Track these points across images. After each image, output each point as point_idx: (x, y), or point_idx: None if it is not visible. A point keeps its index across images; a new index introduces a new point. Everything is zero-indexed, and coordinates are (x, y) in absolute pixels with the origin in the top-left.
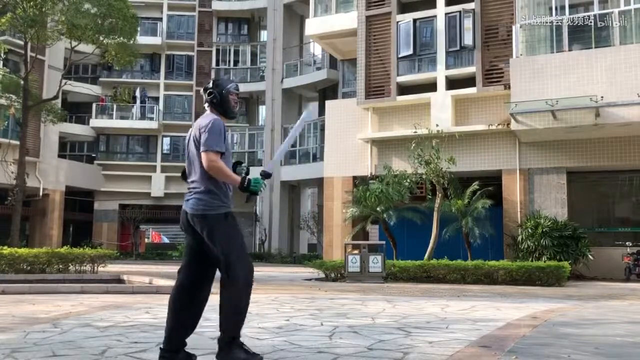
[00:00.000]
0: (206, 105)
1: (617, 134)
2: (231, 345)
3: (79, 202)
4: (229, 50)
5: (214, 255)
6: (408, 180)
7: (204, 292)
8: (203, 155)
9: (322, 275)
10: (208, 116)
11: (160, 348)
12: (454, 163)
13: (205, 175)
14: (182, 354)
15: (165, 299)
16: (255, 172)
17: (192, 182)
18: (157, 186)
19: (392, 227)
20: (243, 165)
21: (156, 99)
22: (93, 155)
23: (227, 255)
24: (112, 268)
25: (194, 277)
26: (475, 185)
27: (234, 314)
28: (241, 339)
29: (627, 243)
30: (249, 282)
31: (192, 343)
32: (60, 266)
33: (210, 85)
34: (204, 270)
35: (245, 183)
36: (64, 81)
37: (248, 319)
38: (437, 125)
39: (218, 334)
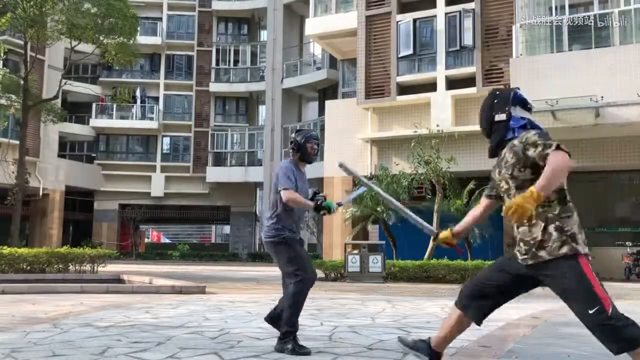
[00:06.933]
0: (290, 151)
1: (617, 134)
2: (286, 336)
3: (78, 202)
4: (229, 50)
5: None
6: (406, 180)
7: None
8: (282, 193)
9: (322, 275)
10: (282, 162)
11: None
12: (455, 163)
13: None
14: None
15: (165, 299)
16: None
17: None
18: (157, 186)
19: (392, 227)
20: (320, 194)
21: (156, 99)
22: (93, 155)
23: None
24: (112, 268)
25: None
26: (471, 185)
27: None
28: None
29: (627, 243)
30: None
31: (193, 343)
32: (60, 266)
33: (293, 134)
34: None
35: (318, 203)
36: (64, 81)
37: (248, 319)
38: (437, 125)
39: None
